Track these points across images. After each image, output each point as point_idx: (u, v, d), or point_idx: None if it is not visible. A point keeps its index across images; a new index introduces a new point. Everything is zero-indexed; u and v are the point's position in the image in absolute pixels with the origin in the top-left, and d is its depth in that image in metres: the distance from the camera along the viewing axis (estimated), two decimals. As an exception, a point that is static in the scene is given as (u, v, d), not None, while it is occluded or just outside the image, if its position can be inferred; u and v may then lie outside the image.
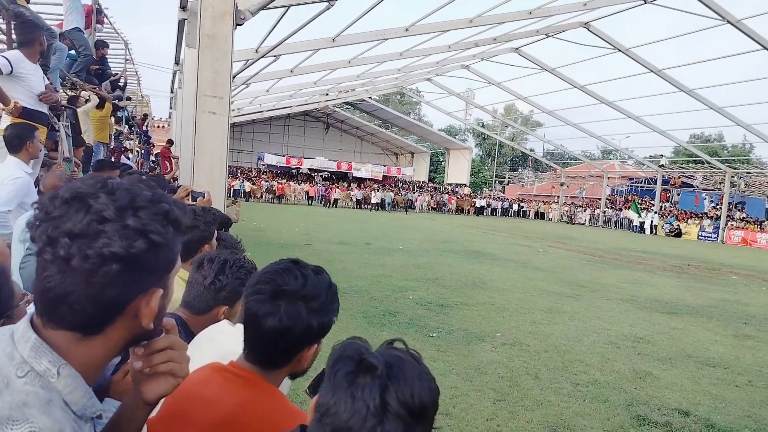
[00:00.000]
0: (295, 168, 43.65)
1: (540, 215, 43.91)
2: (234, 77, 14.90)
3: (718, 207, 34.20)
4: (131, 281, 0.82)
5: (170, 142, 15.41)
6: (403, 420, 0.82)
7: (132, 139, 16.98)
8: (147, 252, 0.81)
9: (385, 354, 0.89)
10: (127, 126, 14.98)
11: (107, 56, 9.93)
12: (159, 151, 16.54)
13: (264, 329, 1.23)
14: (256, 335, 1.27)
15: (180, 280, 2.23)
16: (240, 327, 1.47)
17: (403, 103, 62.29)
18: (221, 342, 1.57)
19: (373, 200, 38.08)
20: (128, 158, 12.90)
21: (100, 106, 8.49)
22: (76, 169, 5.87)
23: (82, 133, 7.50)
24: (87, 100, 8.31)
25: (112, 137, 10.73)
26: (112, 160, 9.50)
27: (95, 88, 8.40)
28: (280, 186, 37.97)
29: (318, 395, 0.89)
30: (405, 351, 0.93)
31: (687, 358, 5.95)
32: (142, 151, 18.34)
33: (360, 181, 43.94)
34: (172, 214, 0.86)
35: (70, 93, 8.68)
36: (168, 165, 14.12)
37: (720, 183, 34.72)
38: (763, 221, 32.34)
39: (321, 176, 44.25)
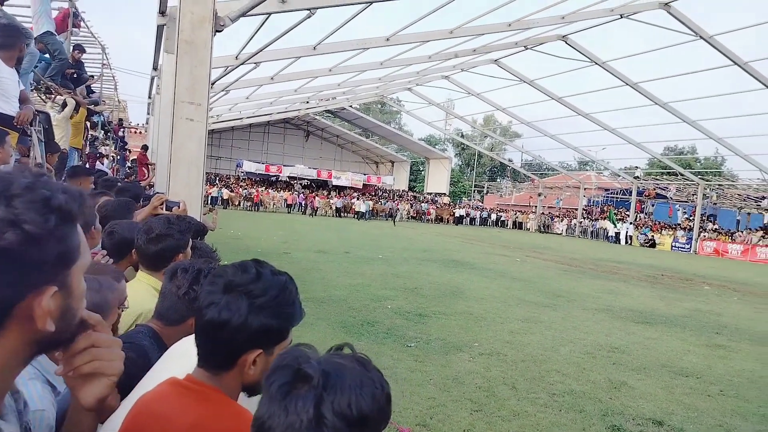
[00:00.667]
0: (275, 175, 43.37)
1: (518, 225, 44.33)
2: (213, 84, 14.79)
3: (691, 218, 34.93)
4: (10, 278, 0.74)
5: (145, 147, 15.16)
6: None
7: (108, 145, 16.72)
8: (23, 245, 0.73)
9: (325, 362, 0.85)
10: (102, 131, 14.74)
11: (83, 60, 9.77)
12: (135, 157, 16.30)
13: (203, 321, 1.17)
14: (197, 328, 1.21)
15: (153, 290, 2.19)
16: None
17: (384, 112, 62.50)
18: (195, 354, 1.53)
19: (359, 209, 38.03)
20: (103, 164, 12.68)
21: (75, 110, 8.34)
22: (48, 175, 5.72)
23: (59, 139, 7.36)
24: (64, 105, 8.15)
25: (87, 143, 10.54)
26: (87, 166, 9.33)
27: (71, 93, 8.26)
28: (258, 193, 37.72)
29: (257, 408, 0.85)
30: (350, 357, 0.89)
31: (661, 368, 6.03)
32: (118, 157, 18.06)
33: (340, 190, 43.86)
34: (54, 202, 0.77)
35: (44, 97, 8.53)
36: (145, 171, 13.91)
37: (693, 195, 35.50)
38: (735, 232, 33.12)
39: (300, 184, 44.05)
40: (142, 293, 2.15)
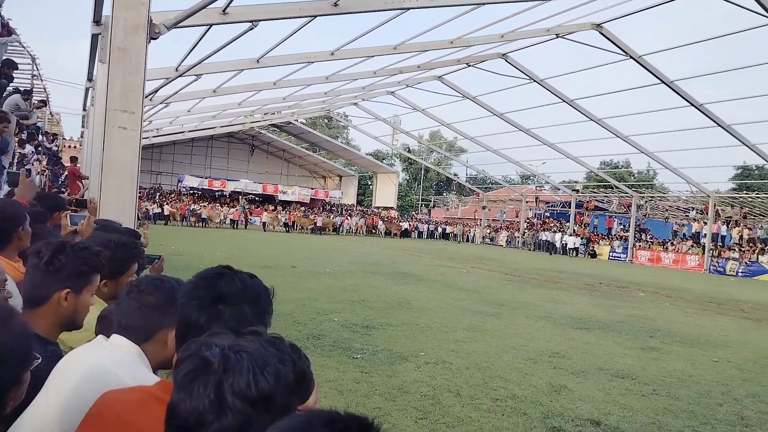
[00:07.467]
0: (218, 190, 42.40)
1: (464, 238, 45.06)
2: (152, 95, 14.38)
3: (626, 229, 36.52)
4: None
5: (73, 159, 14.34)
6: (242, 412, 0.81)
7: (39, 160, 15.93)
8: None
9: (228, 347, 0.87)
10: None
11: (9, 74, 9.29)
12: (68, 171, 15.54)
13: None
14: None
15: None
16: (115, 342, 1.36)
17: (331, 126, 62.45)
18: (92, 354, 1.40)
19: (319, 224, 37.50)
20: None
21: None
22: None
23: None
24: None
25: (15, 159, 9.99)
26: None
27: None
28: (203, 208, 36.71)
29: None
30: (259, 338, 0.91)
31: (598, 371, 6.24)
32: (49, 173, 17.23)
33: (286, 204, 43.35)
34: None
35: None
36: (79, 186, 13.27)
37: (628, 206, 37.16)
38: (667, 242, 34.83)
39: (246, 199, 43.20)
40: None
